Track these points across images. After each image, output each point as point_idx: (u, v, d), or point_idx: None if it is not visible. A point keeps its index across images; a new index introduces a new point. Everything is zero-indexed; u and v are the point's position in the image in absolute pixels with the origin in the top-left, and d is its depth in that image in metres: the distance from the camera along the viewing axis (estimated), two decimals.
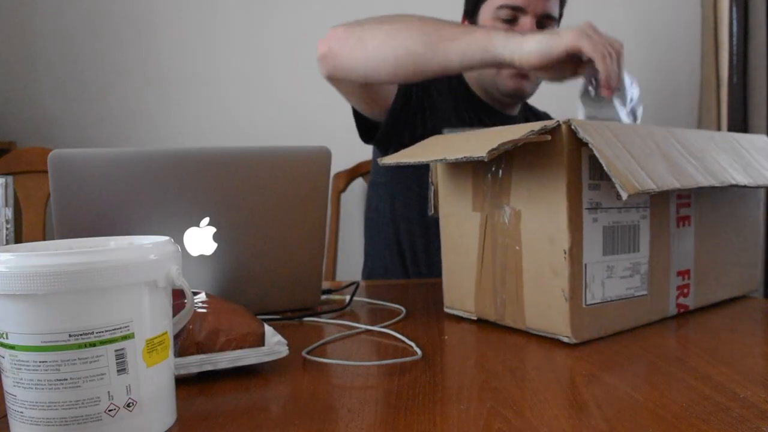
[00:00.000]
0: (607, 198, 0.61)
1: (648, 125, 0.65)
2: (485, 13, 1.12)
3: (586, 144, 0.55)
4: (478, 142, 0.59)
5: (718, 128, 1.86)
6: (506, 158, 0.64)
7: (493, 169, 0.66)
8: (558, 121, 0.57)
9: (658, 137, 0.63)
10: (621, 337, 0.61)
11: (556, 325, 0.60)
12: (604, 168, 0.53)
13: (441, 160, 0.61)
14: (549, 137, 0.57)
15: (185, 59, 1.82)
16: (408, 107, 1.11)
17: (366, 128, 1.15)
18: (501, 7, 1.09)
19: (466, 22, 1.18)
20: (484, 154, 0.54)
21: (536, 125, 0.57)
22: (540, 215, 0.60)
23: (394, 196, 1.18)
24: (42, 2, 1.80)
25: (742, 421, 0.40)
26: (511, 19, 1.09)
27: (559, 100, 1.44)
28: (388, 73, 0.95)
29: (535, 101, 1.35)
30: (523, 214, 0.62)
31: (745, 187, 0.65)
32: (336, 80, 1.03)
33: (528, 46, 0.82)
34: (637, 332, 0.63)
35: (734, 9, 1.80)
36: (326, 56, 0.99)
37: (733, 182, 0.63)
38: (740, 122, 1.86)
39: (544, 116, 1.33)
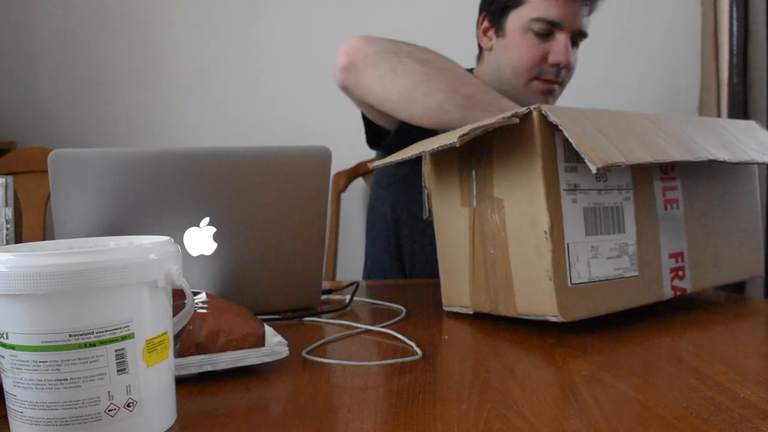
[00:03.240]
0: (586, 180, 0.62)
1: (623, 110, 0.66)
2: (514, 21, 1.06)
3: (559, 129, 0.57)
4: (455, 133, 0.62)
5: None
6: (487, 152, 0.65)
7: (477, 163, 0.67)
8: (529, 108, 0.59)
9: (632, 119, 0.65)
10: (621, 337, 0.61)
11: (543, 306, 0.61)
12: (572, 144, 0.55)
13: (420, 153, 0.66)
14: (517, 121, 0.59)
15: (185, 59, 1.82)
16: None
17: (374, 134, 1.13)
18: (536, 19, 1.03)
19: (485, 24, 1.12)
20: (455, 140, 0.57)
21: (509, 113, 0.60)
22: (521, 201, 0.62)
23: (395, 202, 1.17)
24: (42, 2, 1.80)
25: (742, 421, 0.40)
26: (545, 33, 1.03)
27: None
28: (410, 116, 0.92)
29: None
30: (506, 202, 0.64)
31: (724, 162, 0.65)
32: (349, 92, 1.01)
33: None
34: (637, 332, 0.63)
35: (734, 9, 1.80)
36: (349, 70, 0.96)
37: (711, 157, 0.64)
38: None
39: None
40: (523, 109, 0.59)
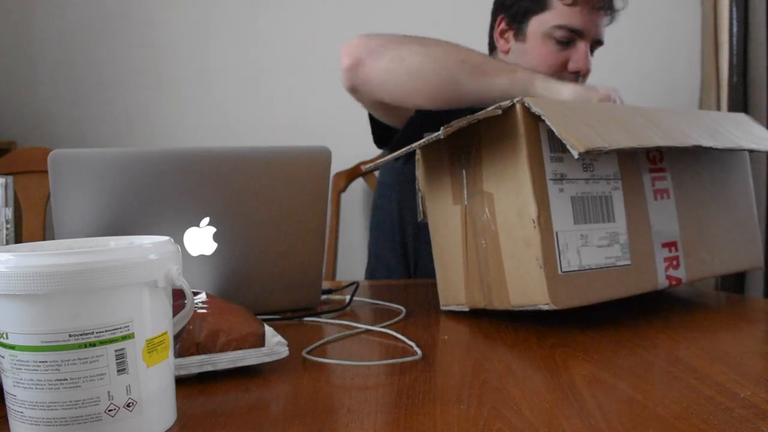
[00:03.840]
0: (572, 169, 0.63)
1: (609, 104, 0.67)
2: (536, 26, 1.06)
3: (543, 120, 0.58)
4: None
5: None
6: (476, 148, 0.66)
7: (466, 161, 0.68)
8: (512, 100, 0.60)
9: (618, 111, 0.66)
10: (621, 337, 0.61)
11: (535, 296, 0.61)
12: (554, 131, 0.56)
13: (408, 149, 0.66)
14: (500, 112, 0.60)
15: (185, 59, 1.82)
16: (428, 118, 1.06)
17: (381, 133, 1.13)
18: (559, 27, 1.03)
19: (502, 25, 1.12)
20: (440, 132, 0.59)
21: (492, 106, 0.61)
22: (509, 193, 0.62)
23: (402, 200, 1.17)
24: (42, 2, 1.80)
25: (742, 421, 0.40)
26: (566, 41, 1.04)
27: None
28: (427, 96, 0.93)
29: None
30: (495, 196, 0.64)
31: (711, 149, 0.66)
32: (359, 92, 1.01)
33: (566, 93, 0.85)
34: (636, 332, 0.63)
35: (734, 9, 1.80)
36: (355, 68, 0.96)
37: (696, 143, 0.64)
38: None
39: None
40: (506, 102, 0.60)
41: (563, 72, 1.06)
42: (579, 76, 1.06)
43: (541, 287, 0.60)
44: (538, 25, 1.06)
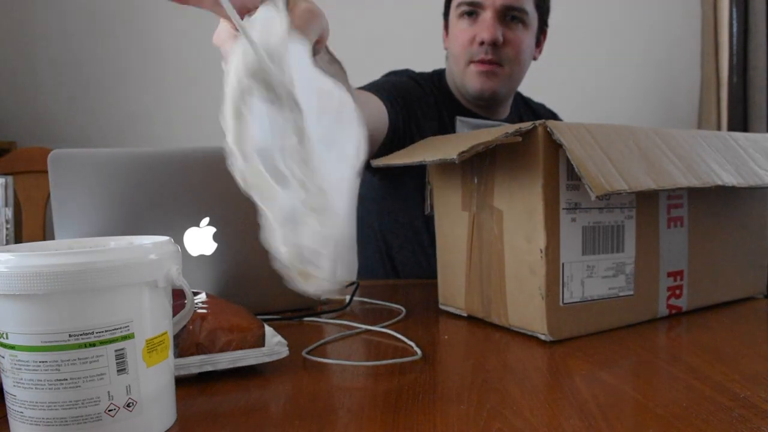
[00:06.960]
0: (587, 198, 0.61)
1: (632, 125, 0.65)
2: (452, 11, 1.13)
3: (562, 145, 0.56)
4: (456, 145, 0.60)
5: (719, 128, 1.86)
6: (490, 160, 0.65)
7: (479, 169, 0.66)
8: (534, 123, 0.57)
9: (641, 137, 0.63)
10: (621, 337, 0.61)
11: (534, 323, 0.60)
12: (575, 168, 0.54)
13: (420, 162, 0.64)
14: (520, 139, 0.58)
15: (185, 59, 1.82)
16: (396, 138, 1.07)
17: None
18: (459, 3, 1.09)
19: (443, 28, 1.19)
20: (455, 156, 0.56)
21: (512, 127, 0.58)
22: (519, 215, 0.61)
23: (383, 214, 1.17)
24: (42, 2, 1.80)
25: (742, 421, 0.40)
26: (469, 13, 1.08)
27: (561, 92, 1.44)
28: None
29: (534, 93, 1.34)
30: (505, 214, 0.63)
31: (733, 187, 0.64)
32: None
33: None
34: (636, 332, 0.63)
35: (734, 9, 1.80)
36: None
37: (719, 183, 0.62)
38: (740, 122, 1.86)
39: (538, 108, 1.31)
40: (527, 125, 0.57)
41: (473, 46, 1.08)
42: (489, 47, 1.06)
43: (540, 317, 0.59)
44: (452, 10, 1.13)
